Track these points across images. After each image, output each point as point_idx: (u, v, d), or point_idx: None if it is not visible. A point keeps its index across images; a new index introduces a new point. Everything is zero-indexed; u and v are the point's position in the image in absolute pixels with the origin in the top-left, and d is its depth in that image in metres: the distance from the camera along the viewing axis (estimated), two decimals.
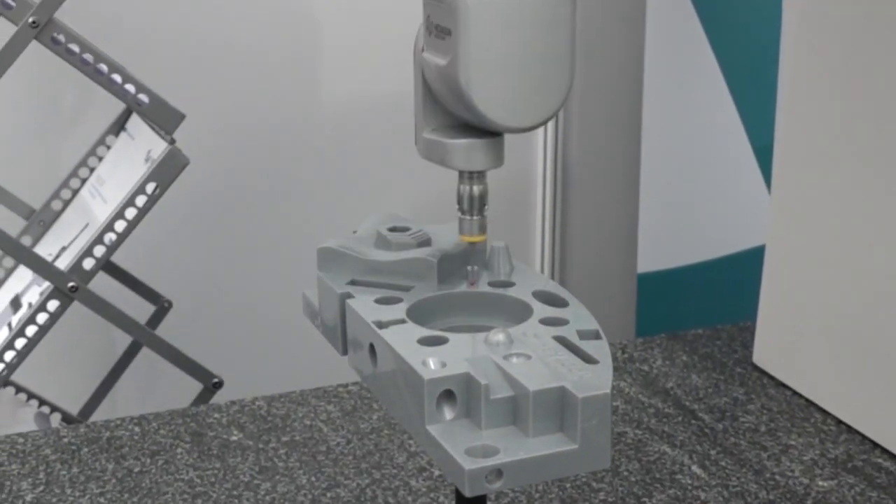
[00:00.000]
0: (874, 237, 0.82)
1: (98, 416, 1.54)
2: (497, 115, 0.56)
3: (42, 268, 1.29)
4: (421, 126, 0.60)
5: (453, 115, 0.59)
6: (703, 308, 1.64)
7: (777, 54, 0.90)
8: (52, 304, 1.28)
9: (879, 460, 0.82)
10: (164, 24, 1.57)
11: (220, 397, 1.37)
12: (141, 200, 1.28)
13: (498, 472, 0.49)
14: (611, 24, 1.77)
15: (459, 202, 0.60)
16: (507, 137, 0.59)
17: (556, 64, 0.56)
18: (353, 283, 0.61)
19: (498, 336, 0.55)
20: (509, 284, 0.61)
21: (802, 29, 0.87)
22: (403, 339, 0.55)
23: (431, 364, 0.52)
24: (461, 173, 0.59)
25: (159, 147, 1.30)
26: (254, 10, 1.61)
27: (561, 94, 0.57)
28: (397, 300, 0.59)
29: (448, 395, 0.52)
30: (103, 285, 1.39)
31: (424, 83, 0.59)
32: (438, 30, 0.56)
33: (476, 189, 0.59)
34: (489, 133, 0.58)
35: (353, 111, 1.69)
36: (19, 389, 1.50)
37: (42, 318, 1.28)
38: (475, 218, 0.60)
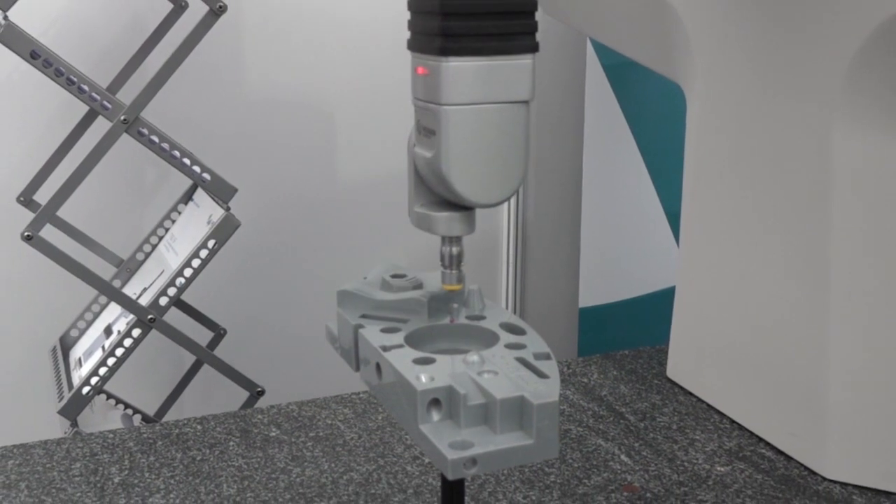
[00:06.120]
0: (757, 280, 0.82)
1: (169, 416, 1.53)
2: (470, 194, 0.57)
3: (128, 304, 1.28)
4: (412, 202, 0.61)
5: (437, 194, 0.59)
6: (628, 334, 1.64)
7: (683, 144, 0.91)
8: (136, 332, 1.28)
9: (763, 451, 0.82)
10: (220, 120, 1.58)
11: (262, 402, 1.36)
12: (204, 253, 1.28)
13: (473, 460, 0.49)
14: (557, 126, 1.78)
15: (442, 260, 0.60)
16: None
17: (514, 156, 0.57)
18: (364, 316, 0.61)
19: (473, 357, 0.54)
20: (482, 318, 0.61)
21: (700, 127, 0.88)
22: (402, 360, 0.55)
23: (423, 378, 0.52)
24: (443, 238, 0.60)
25: (218, 213, 1.30)
26: (285, 110, 1.62)
27: (518, 178, 0.58)
28: (397, 330, 0.59)
29: (435, 402, 0.52)
30: (175, 317, 1.39)
31: (415, 170, 0.60)
32: (426, 130, 0.57)
33: (455, 250, 0.60)
34: (464, 207, 0.59)
35: (363, 185, 1.69)
36: (110, 396, 1.49)
37: (128, 342, 1.28)
38: (454, 272, 0.60)
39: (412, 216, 0.61)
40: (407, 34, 0.58)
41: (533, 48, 0.56)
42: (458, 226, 0.59)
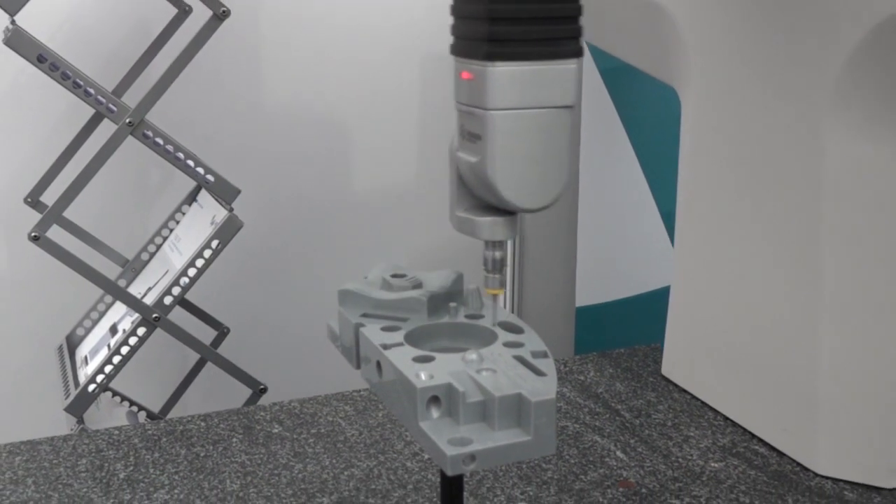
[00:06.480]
0: (750, 280, 0.82)
1: (174, 413, 1.53)
2: (515, 199, 0.55)
3: (133, 303, 1.28)
4: (455, 206, 0.59)
5: (480, 199, 0.58)
6: (624, 333, 1.64)
7: (678, 146, 0.91)
8: (141, 330, 1.28)
9: (756, 447, 0.82)
10: (224, 122, 1.58)
11: (264, 400, 1.36)
12: (207, 253, 1.28)
13: (472, 456, 0.49)
14: None
15: (485, 264, 0.59)
16: None
17: (558, 161, 0.56)
18: (364, 315, 0.61)
19: (472, 355, 0.54)
20: (480, 317, 0.61)
21: (694, 130, 0.88)
22: (402, 358, 0.55)
23: (423, 376, 0.52)
24: (486, 242, 0.58)
25: (221, 214, 1.30)
26: (287, 113, 1.62)
27: (563, 182, 0.56)
28: (397, 328, 0.59)
29: (435, 400, 0.51)
30: (179, 316, 1.39)
31: (458, 175, 0.58)
32: (471, 135, 0.56)
33: (498, 254, 0.58)
34: (507, 212, 0.57)
35: (364, 186, 1.69)
36: (115, 393, 1.49)
37: (133, 340, 1.28)
38: (496, 276, 0.59)
39: (454, 220, 0.59)
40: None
41: (577, 53, 0.55)
42: (501, 230, 0.57)
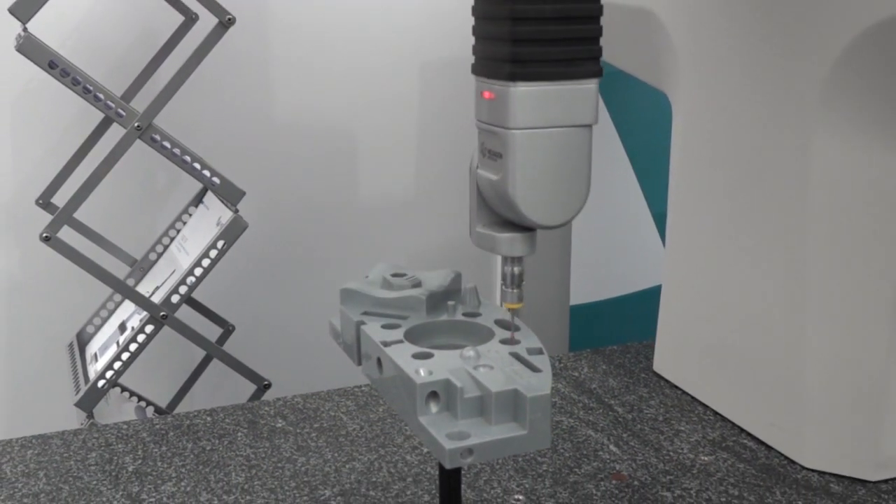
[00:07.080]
0: (738, 279, 0.82)
1: (181, 408, 1.53)
2: (535, 216, 0.55)
3: (141, 301, 1.28)
4: (474, 222, 0.59)
5: (499, 215, 0.58)
6: (617, 330, 1.64)
7: (669, 149, 0.91)
8: (149, 328, 1.28)
9: (745, 441, 0.82)
10: (229, 126, 1.58)
11: (269, 395, 1.36)
12: (213, 253, 1.28)
13: (469, 450, 0.49)
14: None
15: (503, 279, 0.58)
16: None
17: (578, 178, 0.56)
18: (365, 313, 0.62)
19: (469, 352, 0.55)
20: (477, 315, 0.62)
21: (685, 133, 0.88)
22: (402, 354, 0.55)
23: (422, 372, 0.52)
24: (504, 258, 0.58)
25: (227, 215, 1.30)
26: (290, 117, 1.62)
27: (581, 200, 0.56)
28: (397, 326, 0.59)
29: (434, 395, 0.52)
30: (185, 314, 1.39)
31: (478, 191, 0.58)
32: (491, 153, 0.56)
33: (516, 269, 0.58)
34: (526, 228, 0.57)
35: (366, 188, 1.69)
36: (124, 389, 1.49)
37: (141, 337, 1.28)
38: (515, 291, 0.58)
39: (473, 236, 0.59)
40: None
41: (597, 73, 0.55)
42: (520, 246, 0.57)
